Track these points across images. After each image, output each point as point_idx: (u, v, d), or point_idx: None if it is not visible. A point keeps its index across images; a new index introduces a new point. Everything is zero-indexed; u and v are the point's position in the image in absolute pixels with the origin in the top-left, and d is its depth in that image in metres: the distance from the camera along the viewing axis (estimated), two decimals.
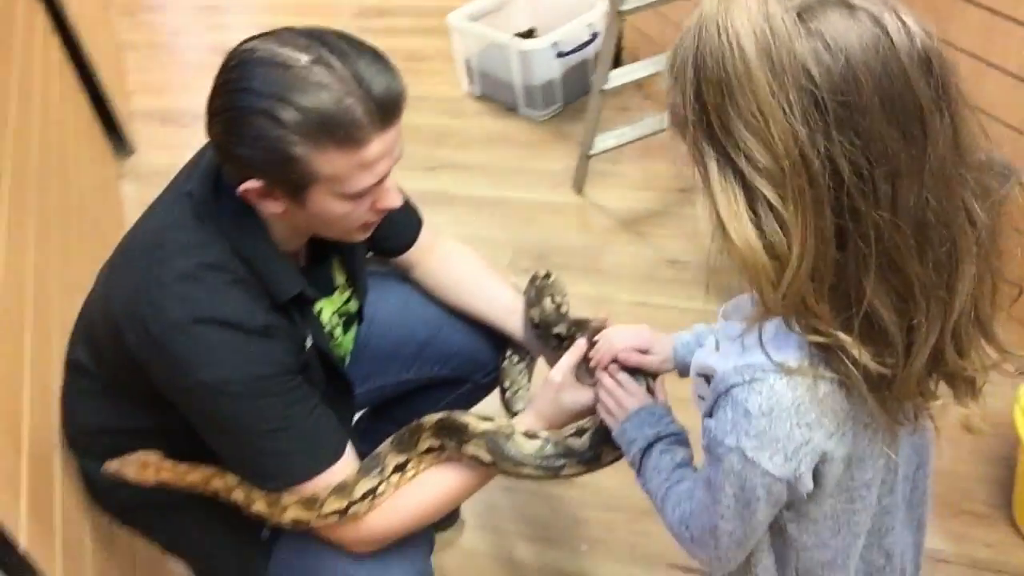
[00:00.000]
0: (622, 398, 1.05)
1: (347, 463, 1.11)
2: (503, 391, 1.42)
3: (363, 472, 1.11)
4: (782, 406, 0.73)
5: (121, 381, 1.13)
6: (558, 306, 1.30)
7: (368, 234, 1.13)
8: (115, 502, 1.26)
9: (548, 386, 1.15)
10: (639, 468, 0.99)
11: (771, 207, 0.65)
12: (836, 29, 0.64)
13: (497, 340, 1.44)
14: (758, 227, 0.66)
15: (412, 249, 1.41)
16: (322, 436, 1.10)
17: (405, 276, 1.46)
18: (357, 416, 1.58)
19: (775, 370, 0.73)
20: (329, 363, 1.20)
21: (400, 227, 1.39)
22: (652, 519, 1.73)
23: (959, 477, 1.74)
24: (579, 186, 2.63)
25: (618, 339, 1.12)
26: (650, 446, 0.98)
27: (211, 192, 1.06)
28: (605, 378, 1.09)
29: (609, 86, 2.31)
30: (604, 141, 2.49)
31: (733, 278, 0.72)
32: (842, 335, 0.69)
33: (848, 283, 0.68)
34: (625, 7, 2.11)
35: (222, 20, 4.03)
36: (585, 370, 1.17)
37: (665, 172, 2.61)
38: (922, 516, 1.00)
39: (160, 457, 1.14)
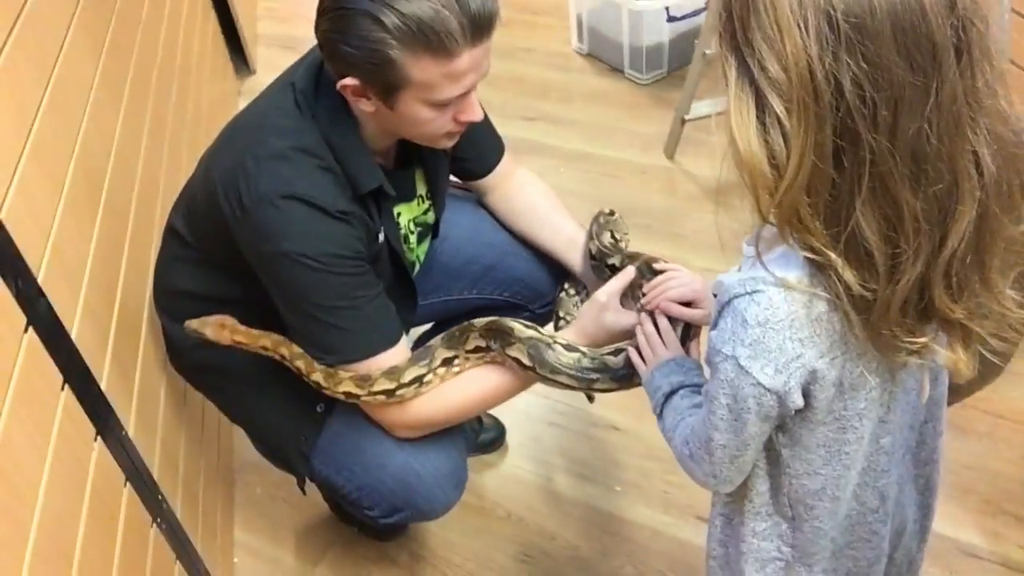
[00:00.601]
0: (657, 346, 1.10)
1: (400, 352, 1.20)
2: (557, 320, 1.48)
3: (414, 360, 1.20)
4: (777, 318, 0.76)
5: (211, 250, 1.24)
6: (616, 240, 1.35)
7: (452, 143, 1.20)
8: (190, 363, 1.38)
9: (593, 305, 1.21)
10: (660, 412, 1.03)
11: (777, 118, 0.69)
12: None
13: (558, 275, 1.50)
14: (763, 136, 0.70)
15: (491, 175, 1.48)
16: (381, 323, 1.19)
17: (480, 201, 1.53)
18: (422, 330, 1.67)
19: (775, 284, 0.76)
20: (398, 262, 1.28)
21: (483, 152, 1.47)
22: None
23: (1006, 478, 1.71)
24: (671, 151, 2.64)
25: (672, 286, 1.16)
26: (673, 392, 1.02)
27: (313, 85, 1.16)
28: (647, 324, 1.14)
29: (712, 51, 2.31)
30: (701, 107, 2.50)
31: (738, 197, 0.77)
32: (832, 254, 0.72)
33: (841, 203, 0.71)
34: None
35: None
36: (630, 296, 1.22)
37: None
38: (931, 477, 1.02)
39: (236, 321, 1.25)
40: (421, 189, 1.37)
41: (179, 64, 2.18)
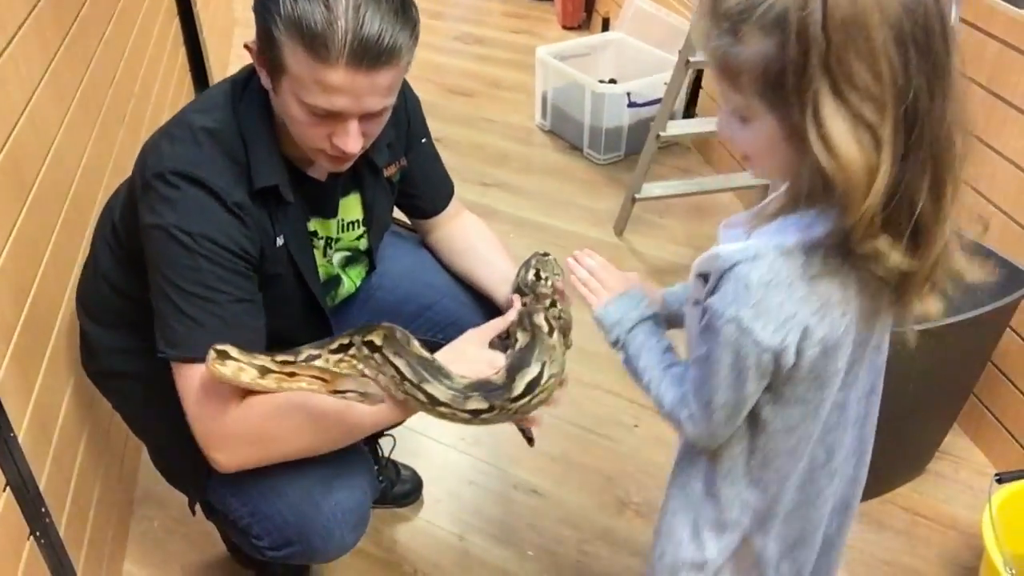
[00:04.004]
0: (606, 279, 1.12)
1: None
2: None
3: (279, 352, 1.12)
4: (779, 279, 0.84)
5: (135, 241, 1.19)
6: (538, 279, 1.34)
7: (333, 167, 1.17)
8: (105, 367, 1.33)
9: (460, 339, 1.20)
10: (624, 345, 1.07)
11: (868, 128, 0.77)
12: None
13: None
14: (859, 144, 0.77)
15: (439, 216, 1.49)
16: (238, 326, 1.13)
17: (423, 242, 1.54)
18: None
19: (775, 249, 0.85)
20: (302, 278, 1.26)
21: (435, 192, 1.49)
22: (603, 542, 1.75)
23: None
24: (620, 229, 2.68)
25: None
26: (635, 326, 1.07)
27: (247, 77, 1.17)
28: (584, 259, 1.15)
29: (666, 133, 2.37)
30: (652, 189, 2.55)
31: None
32: (882, 239, 0.81)
33: (904, 190, 0.79)
34: (695, 58, 2.18)
35: None
36: (499, 342, 1.21)
37: (710, 234, 2.65)
38: (864, 447, 1.07)
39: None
40: (356, 214, 1.36)
41: (138, 88, 2.18)
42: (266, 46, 1.05)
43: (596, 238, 2.68)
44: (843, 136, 0.77)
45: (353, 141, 1.10)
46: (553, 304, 1.26)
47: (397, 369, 1.09)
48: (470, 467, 1.91)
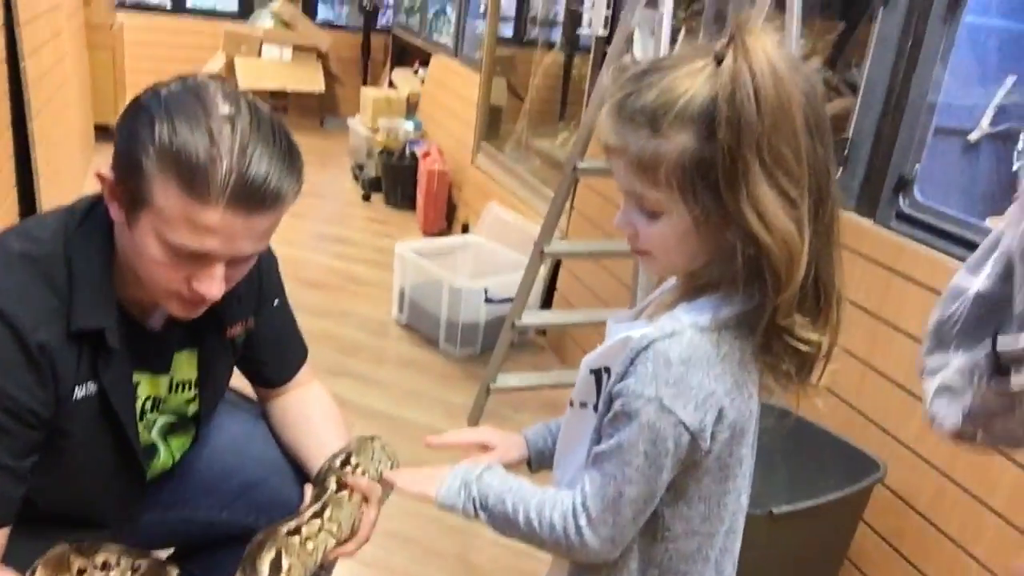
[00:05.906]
0: (428, 472, 1.04)
1: None
2: None
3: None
4: (698, 355, 0.84)
5: None
6: (345, 464, 1.21)
7: (183, 314, 1.06)
8: None
9: None
10: (481, 501, 0.97)
11: (793, 205, 0.81)
12: (807, 68, 0.87)
13: None
14: (789, 219, 0.81)
15: (285, 384, 1.36)
16: None
17: (260, 414, 1.38)
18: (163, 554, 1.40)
19: (692, 327, 0.85)
20: (122, 435, 1.09)
21: (283, 359, 1.35)
22: None
23: None
24: (475, 421, 2.59)
25: (465, 435, 1.19)
26: (480, 476, 0.99)
27: (90, 206, 1.05)
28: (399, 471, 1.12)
29: (521, 322, 2.36)
30: (508, 379, 2.50)
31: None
32: (798, 317, 0.84)
33: (811, 266, 0.83)
34: (549, 248, 2.23)
35: None
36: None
37: None
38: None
39: None
40: (189, 374, 1.21)
41: None
42: (127, 175, 0.95)
43: (450, 430, 2.57)
44: (778, 212, 0.81)
45: (217, 286, 1.00)
46: (319, 513, 1.12)
47: None
48: None
